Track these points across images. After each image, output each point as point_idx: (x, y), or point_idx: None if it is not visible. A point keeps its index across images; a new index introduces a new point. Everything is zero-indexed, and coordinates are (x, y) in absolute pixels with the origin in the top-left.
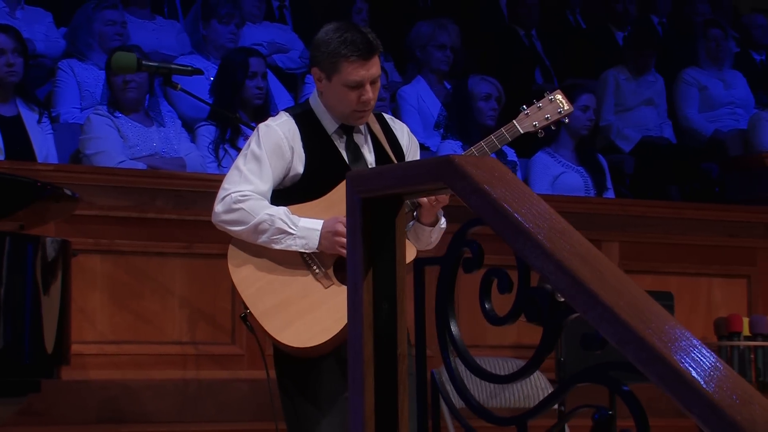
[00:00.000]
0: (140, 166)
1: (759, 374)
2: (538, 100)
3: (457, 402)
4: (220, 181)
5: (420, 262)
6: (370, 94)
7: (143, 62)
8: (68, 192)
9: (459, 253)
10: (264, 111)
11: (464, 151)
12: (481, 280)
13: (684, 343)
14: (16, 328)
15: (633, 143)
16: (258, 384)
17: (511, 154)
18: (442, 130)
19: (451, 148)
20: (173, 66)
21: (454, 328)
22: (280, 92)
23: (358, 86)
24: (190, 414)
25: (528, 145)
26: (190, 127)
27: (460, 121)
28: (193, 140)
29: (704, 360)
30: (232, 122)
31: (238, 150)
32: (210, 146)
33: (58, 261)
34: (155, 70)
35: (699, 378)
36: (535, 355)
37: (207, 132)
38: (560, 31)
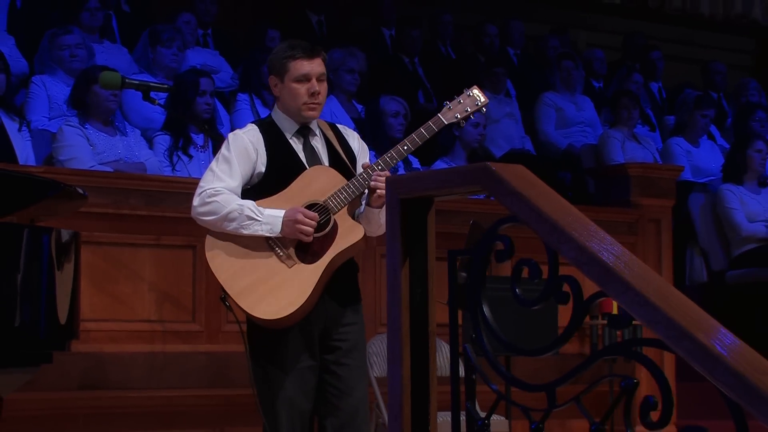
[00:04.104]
0: (107, 169)
1: None
2: (458, 96)
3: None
4: (184, 183)
5: (453, 253)
6: (317, 87)
7: (126, 80)
8: (80, 191)
9: (490, 246)
10: (211, 123)
11: (377, 155)
12: (513, 268)
13: (705, 323)
14: (33, 307)
15: (503, 151)
16: (214, 356)
17: (416, 163)
18: None
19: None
20: (152, 84)
21: (486, 310)
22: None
23: (306, 79)
24: (156, 381)
25: (428, 155)
26: (147, 136)
27: (373, 134)
28: (150, 147)
29: (724, 337)
30: (183, 132)
31: (190, 156)
32: (165, 153)
33: (70, 249)
34: (136, 87)
35: (724, 352)
36: (564, 331)
37: (162, 141)
38: (436, 59)
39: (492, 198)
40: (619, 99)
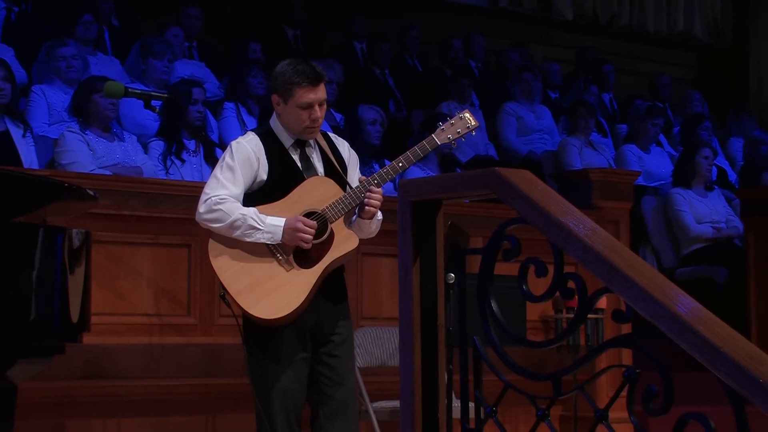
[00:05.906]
0: (107, 173)
1: (588, 339)
2: (450, 118)
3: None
4: (180, 186)
5: (462, 251)
6: (318, 113)
7: (129, 89)
8: (91, 192)
9: (498, 246)
10: (202, 130)
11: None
12: (520, 266)
13: (704, 316)
14: (48, 301)
15: (468, 157)
16: (207, 348)
17: None
18: None
19: None
20: (153, 93)
21: (494, 306)
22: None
23: (309, 107)
24: (154, 371)
25: None
26: (142, 141)
27: (353, 140)
28: (146, 152)
29: (723, 330)
30: (176, 138)
31: (183, 161)
32: (159, 157)
33: (82, 247)
34: (138, 96)
35: (724, 345)
36: (569, 325)
37: (157, 146)
38: (405, 71)
39: (467, 201)
40: (576, 109)
